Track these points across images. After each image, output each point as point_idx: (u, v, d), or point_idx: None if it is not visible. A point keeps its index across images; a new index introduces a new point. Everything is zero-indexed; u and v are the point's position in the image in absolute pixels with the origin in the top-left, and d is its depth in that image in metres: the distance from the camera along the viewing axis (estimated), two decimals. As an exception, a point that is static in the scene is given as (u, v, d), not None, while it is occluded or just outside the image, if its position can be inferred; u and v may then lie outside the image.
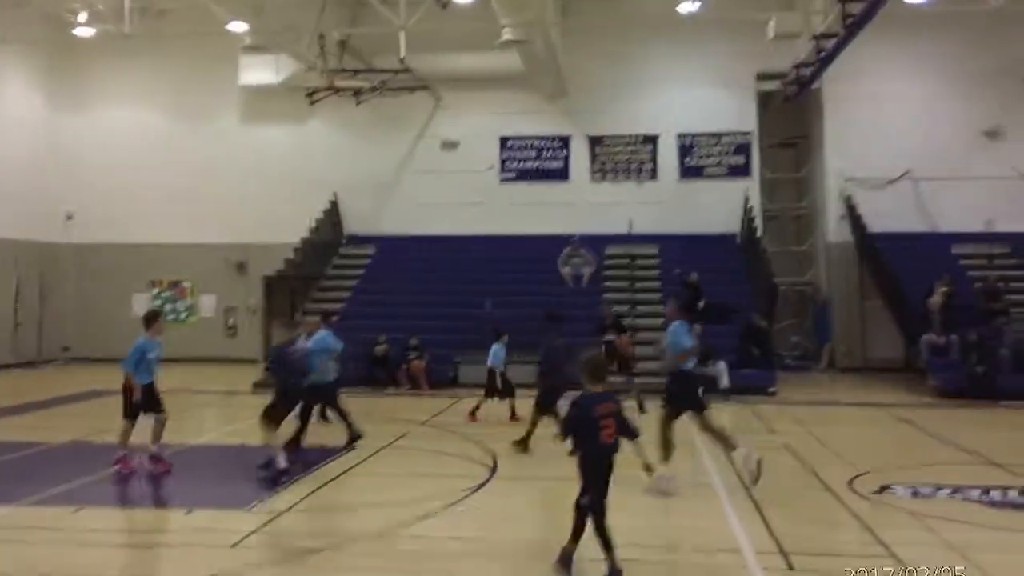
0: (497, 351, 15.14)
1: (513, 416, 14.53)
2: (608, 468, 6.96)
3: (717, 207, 24.20)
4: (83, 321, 26.35)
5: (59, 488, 9.90)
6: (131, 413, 10.80)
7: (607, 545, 6.77)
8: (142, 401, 10.74)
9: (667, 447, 10.16)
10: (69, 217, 26.82)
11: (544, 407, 12.14)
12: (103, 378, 19.36)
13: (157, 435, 10.90)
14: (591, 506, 6.81)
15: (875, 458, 11.78)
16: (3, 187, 24.05)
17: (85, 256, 26.79)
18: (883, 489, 9.89)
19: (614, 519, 8.15)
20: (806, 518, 8.95)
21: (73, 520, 8.82)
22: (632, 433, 7.30)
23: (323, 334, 12.35)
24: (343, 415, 12.47)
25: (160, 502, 10.27)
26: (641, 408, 14.69)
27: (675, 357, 10.33)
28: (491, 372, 15.05)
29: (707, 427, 10.31)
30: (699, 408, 10.26)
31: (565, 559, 6.92)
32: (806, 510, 9.27)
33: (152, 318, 11.16)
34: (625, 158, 25.11)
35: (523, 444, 12.10)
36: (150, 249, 26.22)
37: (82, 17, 23.08)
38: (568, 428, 7.06)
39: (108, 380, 17.30)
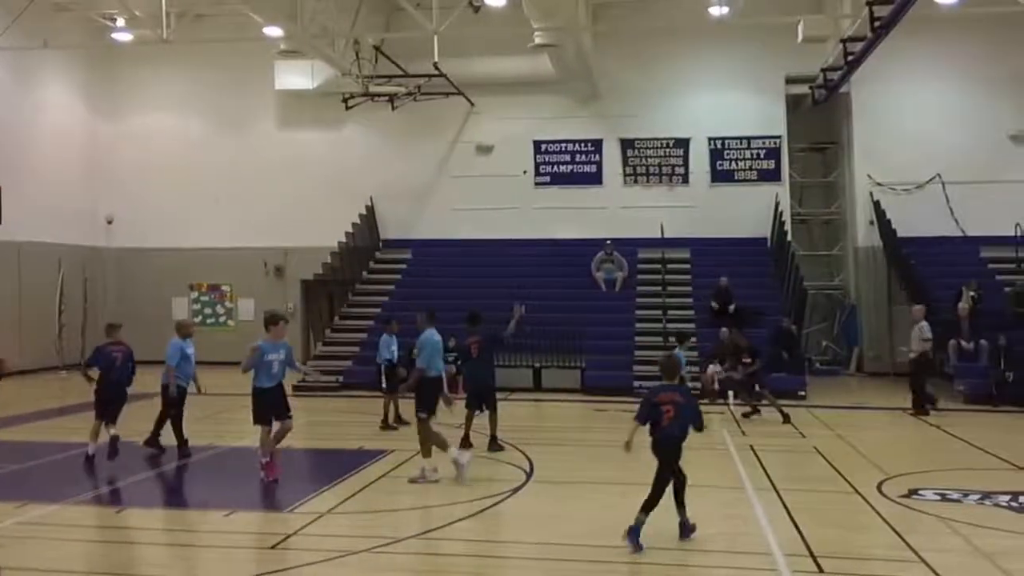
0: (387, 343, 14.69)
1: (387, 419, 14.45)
2: (671, 447, 8.10)
3: (747, 211, 24.26)
4: (125, 324, 26.64)
5: (102, 489, 10.17)
6: (261, 419, 10.55)
7: (679, 504, 8.20)
8: (267, 406, 10.52)
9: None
10: (110, 221, 27.20)
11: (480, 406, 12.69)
12: (144, 380, 19.87)
13: (278, 440, 10.71)
14: (660, 482, 8.07)
15: (903, 462, 11.88)
16: (45, 192, 24.26)
17: (126, 260, 27.11)
18: (912, 493, 9.99)
19: (645, 525, 8.39)
20: (835, 521, 9.09)
21: (115, 519, 9.13)
22: (693, 421, 8.28)
23: (430, 332, 11.44)
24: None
25: (201, 503, 10.41)
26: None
27: None
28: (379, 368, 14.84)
29: None
30: None
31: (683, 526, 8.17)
32: (835, 513, 9.41)
33: (272, 320, 10.91)
34: (657, 162, 25.24)
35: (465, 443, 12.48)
36: (189, 253, 26.52)
37: (120, 23, 23.56)
38: (640, 413, 8.24)
39: (149, 383, 17.98)
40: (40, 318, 23.81)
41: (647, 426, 8.16)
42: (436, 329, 11.30)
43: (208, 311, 26.85)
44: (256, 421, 10.55)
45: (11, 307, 23.05)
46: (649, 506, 7.94)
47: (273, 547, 8.07)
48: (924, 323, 16.49)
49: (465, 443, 12.38)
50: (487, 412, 12.73)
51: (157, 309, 25.55)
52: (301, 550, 8.12)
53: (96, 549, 8.04)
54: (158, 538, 8.79)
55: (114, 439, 11.82)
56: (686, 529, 8.17)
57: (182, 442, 12.55)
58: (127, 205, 26.98)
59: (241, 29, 22.54)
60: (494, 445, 12.57)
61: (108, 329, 13.26)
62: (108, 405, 12.14)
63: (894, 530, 8.58)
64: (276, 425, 10.59)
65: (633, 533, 7.80)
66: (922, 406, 16.31)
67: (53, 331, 24.24)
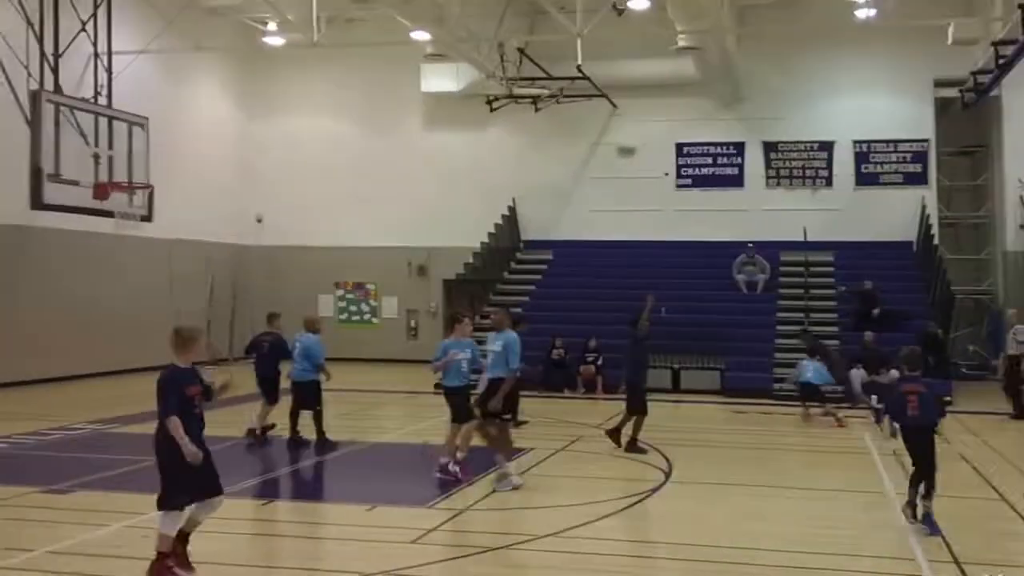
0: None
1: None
2: (920, 436, 8.63)
3: (893, 215, 23.77)
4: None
5: (251, 481, 10.43)
6: (463, 416, 10.52)
7: (927, 494, 8.56)
8: (467, 405, 10.50)
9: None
10: (259, 220, 27.56)
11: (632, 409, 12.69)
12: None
13: (467, 440, 10.67)
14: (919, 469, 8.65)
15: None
16: (198, 191, 24.58)
17: (273, 258, 27.31)
18: (1060, 501, 9.75)
19: (785, 527, 8.79)
20: (980, 528, 9.01)
21: (262, 512, 9.52)
22: (935, 411, 8.76)
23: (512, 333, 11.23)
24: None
25: (344, 498, 10.43)
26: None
27: None
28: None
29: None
30: None
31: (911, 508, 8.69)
32: (981, 520, 9.30)
33: (455, 319, 10.98)
34: (800, 165, 24.97)
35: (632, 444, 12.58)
36: (335, 251, 26.96)
37: (272, 26, 24.11)
38: (886, 405, 9.17)
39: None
40: (189, 315, 22.99)
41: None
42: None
43: (353, 308, 27.40)
44: (459, 419, 10.52)
45: (162, 303, 22.85)
46: (915, 482, 8.62)
47: (414, 541, 8.15)
48: (1020, 326, 16.45)
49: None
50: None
51: (303, 306, 26.07)
52: (441, 545, 8.28)
53: (243, 541, 8.22)
54: (302, 531, 8.99)
55: (250, 431, 12.64)
56: (928, 521, 8.49)
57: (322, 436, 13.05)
58: (276, 204, 27.26)
59: (389, 33, 22.85)
60: (633, 447, 12.55)
61: (268, 318, 14.08)
62: (262, 389, 13.03)
63: None
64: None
65: (927, 520, 8.41)
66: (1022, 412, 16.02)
67: (201, 327, 24.94)
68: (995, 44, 19.12)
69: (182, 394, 6.77)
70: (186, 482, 6.74)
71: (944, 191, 24.77)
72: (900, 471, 11.47)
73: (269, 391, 13.31)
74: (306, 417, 13.07)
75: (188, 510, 6.86)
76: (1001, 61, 19.23)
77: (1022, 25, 17.03)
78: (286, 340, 13.41)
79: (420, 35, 21.37)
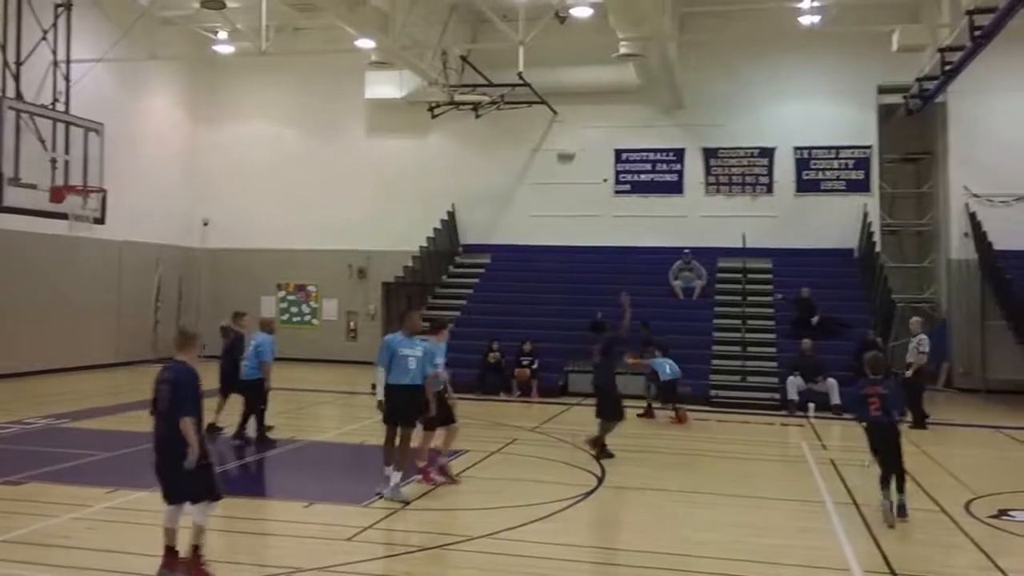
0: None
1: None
2: (884, 434, 9.44)
3: (834, 222, 23.79)
4: (216, 321, 27.57)
5: None
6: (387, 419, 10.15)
7: (899, 488, 9.35)
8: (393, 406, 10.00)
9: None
10: (205, 223, 28.24)
11: (604, 415, 12.61)
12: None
13: (448, 443, 10.80)
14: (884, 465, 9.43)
15: (993, 482, 11.52)
16: (146, 195, 25.19)
17: (218, 260, 28.12)
18: (1001, 513, 9.70)
19: (717, 534, 8.73)
20: (919, 540, 8.84)
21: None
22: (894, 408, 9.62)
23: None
24: None
25: (282, 495, 10.66)
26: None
27: None
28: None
29: None
30: None
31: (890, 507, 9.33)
32: (919, 532, 9.13)
33: (441, 326, 10.85)
34: (740, 171, 24.90)
35: (601, 449, 12.49)
36: (278, 254, 27.39)
37: (222, 35, 24.63)
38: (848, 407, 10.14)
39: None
40: (137, 314, 25.07)
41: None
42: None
43: (294, 310, 27.67)
44: (385, 420, 10.16)
45: (112, 303, 24.26)
46: (885, 483, 9.32)
47: (349, 539, 8.26)
48: (923, 336, 16.56)
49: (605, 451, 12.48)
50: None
51: (247, 307, 26.05)
52: (376, 543, 8.29)
53: (182, 535, 8.07)
54: (241, 526, 9.00)
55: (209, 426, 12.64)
56: (903, 512, 9.26)
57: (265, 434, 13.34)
58: (222, 208, 27.97)
59: (335, 41, 23.21)
60: (605, 452, 12.45)
61: (233, 316, 15.01)
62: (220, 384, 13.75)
63: (982, 551, 8.32)
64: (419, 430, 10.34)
65: (902, 511, 9.19)
66: (921, 422, 16.09)
67: (149, 326, 25.50)
68: (941, 50, 19.21)
69: (200, 394, 6.97)
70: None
71: (887, 198, 24.85)
72: (837, 480, 11.34)
73: (225, 386, 13.96)
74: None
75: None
76: (947, 67, 19.29)
77: (969, 31, 17.03)
78: (245, 339, 13.97)
79: (365, 43, 21.53)
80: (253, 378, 13.16)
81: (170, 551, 6.99)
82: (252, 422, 13.30)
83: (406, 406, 9.98)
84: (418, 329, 10.36)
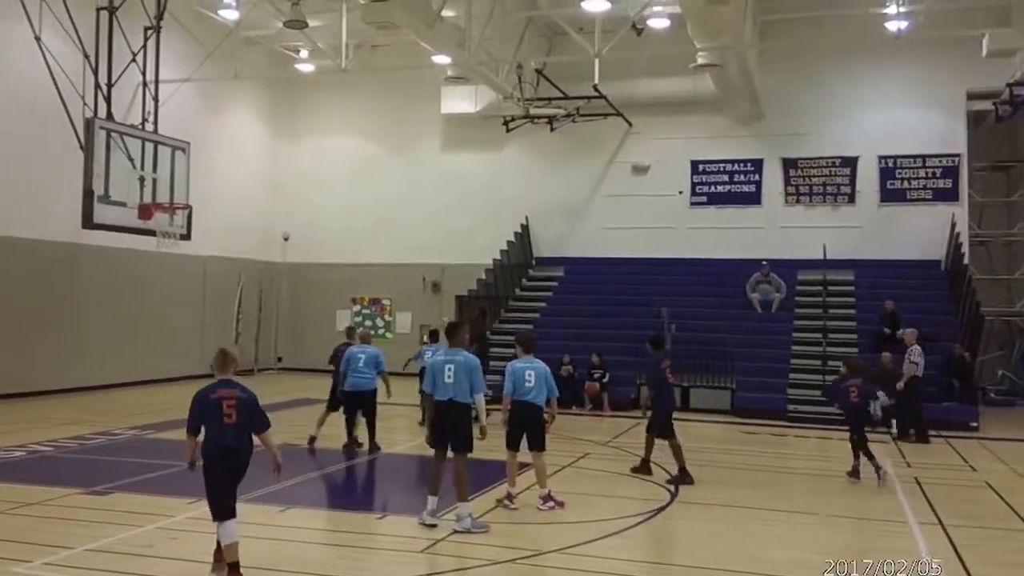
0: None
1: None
2: (857, 416, 12.27)
3: (920, 232, 23.02)
4: (294, 334, 28.23)
5: (269, 488, 10.42)
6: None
7: (869, 456, 12.10)
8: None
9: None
10: (286, 238, 28.75)
11: (655, 431, 12.14)
12: (309, 386, 21.09)
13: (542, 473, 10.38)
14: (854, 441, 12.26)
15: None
16: (231, 211, 25.91)
17: (297, 274, 28.58)
18: (1093, 534, 9.25)
19: (792, 553, 8.64)
20: (1007, 560, 8.50)
21: (280, 518, 9.49)
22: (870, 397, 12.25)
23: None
24: None
25: (357, 506, 10.80)
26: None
27: None
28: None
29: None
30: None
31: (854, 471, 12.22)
32: (1007, 552, 8.81)
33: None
34: (821, 181, 24.29)
35: (644, 468, 12.21)
36: (355, 268, 27.65)
37: (303, 54, 25.44)
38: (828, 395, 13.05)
39: (314, 388, 19.07)
40: (220, 327, 25.58)
41: None
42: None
43: (368, 323, 27.81)
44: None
45: (196, 316, 24.83)
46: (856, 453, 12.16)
47: (423, 551, 8.30)
48: (916, 347, 16.24)
49: (646, 469, 12.19)
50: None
51: (323, 320, 26.99)
52: (448, 556, 8.30)
53: (257, 545, 8.24)
54: (316, 537, 9.15)
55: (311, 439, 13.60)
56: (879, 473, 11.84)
57: (359, 441, 13.94)
58: (301, 223, 28.44)
59: (412, 57, 23.52)
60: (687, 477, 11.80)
61: (347, 332, 15.29)
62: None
63: None
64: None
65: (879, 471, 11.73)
66: (923, 434, 15.94)
67: (231, 339, 25.88)
68: (1034, 55, 18.47)
69: None
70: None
71: (976, 208, 23.96)
72: (921, 499, 10.94)
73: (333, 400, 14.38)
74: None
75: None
76: (1040, 73, 18.55)
77: (1062, 34, 16.36)
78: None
79: (441, 59, 21.79)
80: (371, 388, 13.68)
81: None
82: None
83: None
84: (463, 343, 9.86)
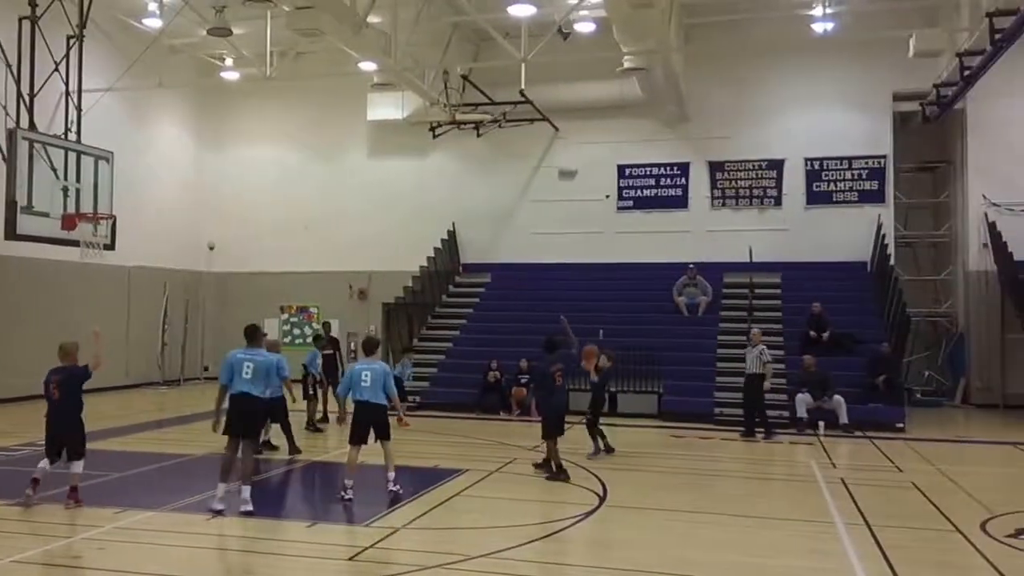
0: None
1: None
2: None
3: (846, 234, 23.15)
4: (221, 343, 27.30)
5: (196, 497, 10.47)
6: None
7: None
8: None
9: None
10: (211, 248, 28.28)
11: (543, 433, 12.36)
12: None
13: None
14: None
15: (1012, 500, 11.05)
16: (156, 221, 25.53)
17: (223, 283, 28.16)
18: (1019, 533, 9.26)
19: (721, 555, 8.52)
20: (933, 561, 8.43)
21: (206, 527, 9.37)
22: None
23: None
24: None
25: (286, 514, 10.73)
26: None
27: None
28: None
29: None
30: None
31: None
32: (934, 552, 8.74)
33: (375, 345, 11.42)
34: (747, 184, 24.34)
35: (546, 466, 12.27)
36: (281, 276, 27.30)
37: (228, 62, 25.15)
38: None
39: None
40: (145, 337, 25.17)
41: None
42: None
43: (296, 331, 27.54)
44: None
45: (120, 326, 24.15)
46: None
47: (351, 559, 8.29)
48: (762, 346, 16.46)
49: (562, 472, 12.08)
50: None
51: None
52: (376, 563, 8.26)
53: (185, 554, 8.37)
54: (243, 545, 9.01)
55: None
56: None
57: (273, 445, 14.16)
58: (227, 232, 28.02)
59: (338, 64, 23.44)
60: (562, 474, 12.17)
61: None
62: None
63: (999, 572, 7.87)
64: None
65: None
66: (765, 428, 16.20)
67: (156, 349, 25.66)
68: (960, 55, 18.70)
69: None
70: None
71: (902, 209, 24.17)
72: (848, 499, 10.89)
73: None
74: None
75: None
76: (966, 72, 18.81)
77: (989, 35, 16.56)
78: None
79: (368, 66, 21.67)
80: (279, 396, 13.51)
81: None
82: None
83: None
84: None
